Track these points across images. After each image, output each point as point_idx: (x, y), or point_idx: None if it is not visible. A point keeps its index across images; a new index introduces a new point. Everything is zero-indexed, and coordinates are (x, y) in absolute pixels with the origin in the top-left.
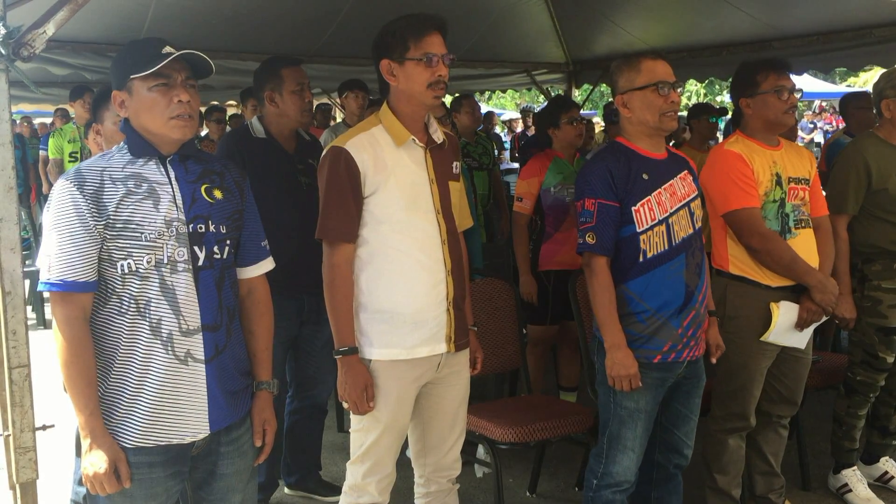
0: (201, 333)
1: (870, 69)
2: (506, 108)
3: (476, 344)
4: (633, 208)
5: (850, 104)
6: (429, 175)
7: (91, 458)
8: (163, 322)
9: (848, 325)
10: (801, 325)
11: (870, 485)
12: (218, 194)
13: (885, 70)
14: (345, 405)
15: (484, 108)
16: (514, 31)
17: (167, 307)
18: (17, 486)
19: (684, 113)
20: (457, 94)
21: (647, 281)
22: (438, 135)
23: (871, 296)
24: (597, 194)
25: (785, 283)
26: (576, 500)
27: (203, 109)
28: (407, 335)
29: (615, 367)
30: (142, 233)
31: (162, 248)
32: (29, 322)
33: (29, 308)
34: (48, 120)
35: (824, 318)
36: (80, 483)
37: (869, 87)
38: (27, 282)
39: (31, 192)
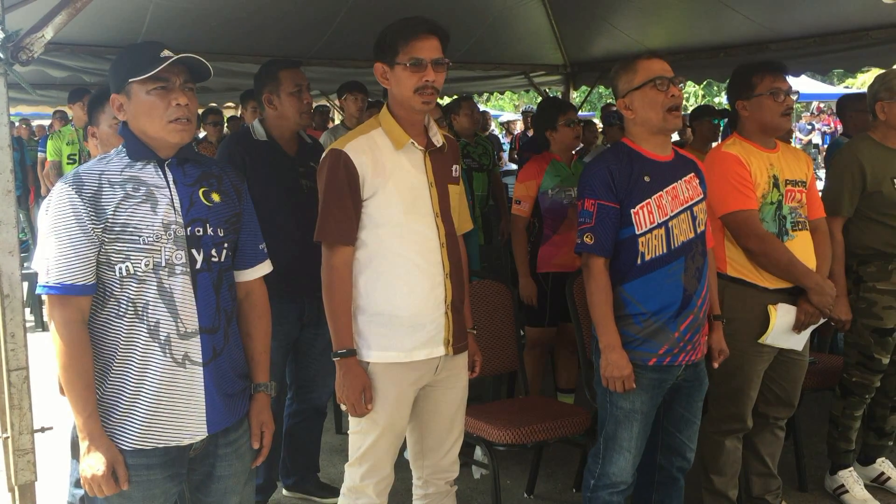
0: (199, 336)
1: (867, 70)
2: (504, 109)
3: (475, 347)
4: (632, 210)
5: (845, 106)
6: (428, 178)
7: (89, 460)
8: (161, 325)
9: (843, 327)
10: (798, 327)
11: (866, 486)
12: (216, 198)
13: (881, 71)
14: (343, 407)
15: (481, 109)
16: (511, 34)
17: (165, 310)
18: (16, 489)
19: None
20: (455, 97)
21: (645, 283)
22: (438, 138)
23: (867, 297)
24: (596, 195)
25: (782, 285)
26: (573, 501)
27: (200, 110)
28: (405, 338)
29: (609, 368)
30: (140, 236)
31: (160, 251)
32: (27, 324)
33: (27, 310)
34: (46, 122)
35: (822, 321)
36: (76, 485)
37: (866, 89)
38: (25, 284)
39: (30, 195)
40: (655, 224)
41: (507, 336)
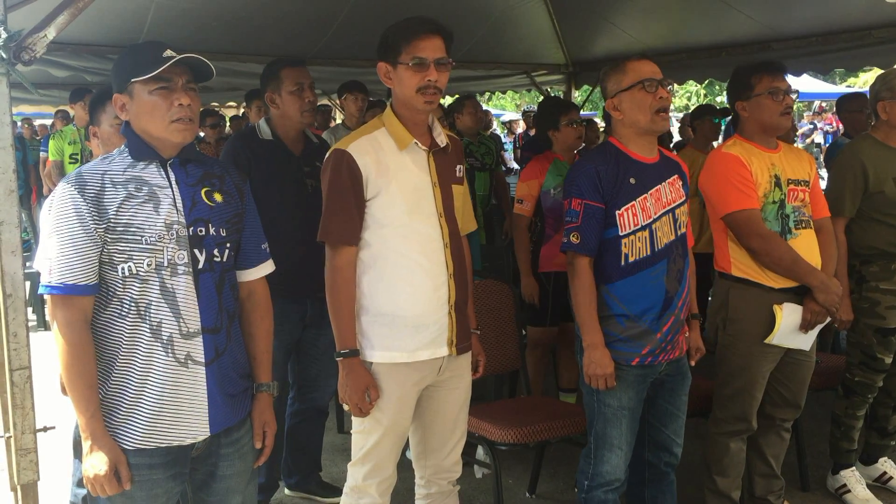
0: (201, 336)
1: (869, 70)
2: (506, 108)
3: (478, 347)
4: (616, 212)
5: (843, 107)
6: (431, 178)
7: (92, 459)
8: (163, 325)
9: (845, 327)
10: (805, 326)
11: (868, 485)
12: (218, 198)
13: (884, 70)
14: (346, 407)
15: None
16: (513, 33)
17: (167, 310)
18: (19, 488)
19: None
20: (457, 95)
21: (628, 285)
22: (442, 138)
23: (869, 297)
24: (583, 195)
25: (788, 284)
26: (575, 501)
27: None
28: (408, 338)
29: (591, 366)
30: (142, 236)
31: (162, 251)
32: (29, 324)
33: (29, 310)
34: (48, 122)
35: (828, 319)
36: (79, 484)
37: (868, 88)
38: (27, 283)
39: (32, 194)
40: (639, 226)
41: (508, 336)
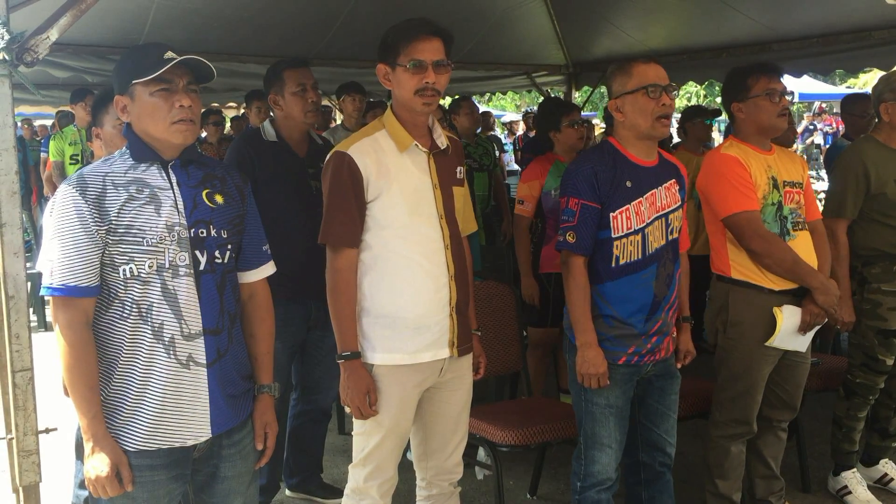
0: (203, 337)
1: (869, 71)
2: (506, 109)
3: (479, 348)
4: (611, 214)
5: (846, 108)
6: (432, 180)
7: (93, 461)
8: (165, 326)
9: (848, 329)
10: (804, 328)
11: (869, 487)
12: (219, 199)
13: (884, 73)
14: (347, 409)
15: (482, 109)
16: (514, 34)
17: (169, 311)
18: (20, 490)
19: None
20: (456, 96)
21: (617, 287)
22: (442, 140)
23: (871, 298)
24: (580, 195)
25: (787, 286)
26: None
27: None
28: (409, 340)
29: (584, 365)
30: (144, 238)
31: (164, 252)
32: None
33: (30, 310)
34: (49, 122)
35: (826, 320)
36: (81, 486)
37: (868, 89)
38: (28, 285)
39: (32, 195)
40: (632, 230)
41: (509, 337)
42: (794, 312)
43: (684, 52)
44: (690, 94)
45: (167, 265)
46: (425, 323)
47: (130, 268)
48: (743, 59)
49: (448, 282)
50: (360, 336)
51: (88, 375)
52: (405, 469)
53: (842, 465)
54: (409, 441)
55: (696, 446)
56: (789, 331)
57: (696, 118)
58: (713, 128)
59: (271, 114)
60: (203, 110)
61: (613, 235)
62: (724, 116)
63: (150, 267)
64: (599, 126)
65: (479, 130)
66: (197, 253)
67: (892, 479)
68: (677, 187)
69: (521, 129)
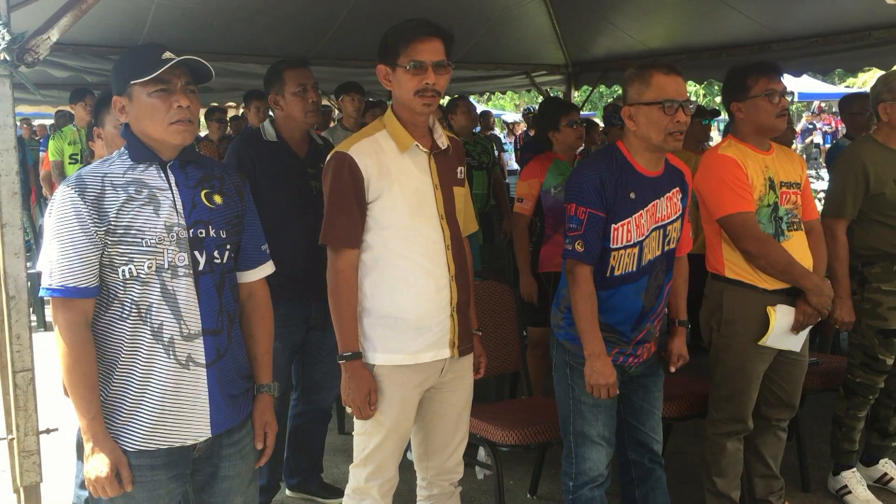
0: (202, 338)
1: (868, 70)
2: (505, 109)
3: (480, 348)
4: (612, 226)
5: (845, 108)
6: (433, 181)
7: (93, 461)
8: (164, 326)
9: (847, 328)
10: (797, 327)
11: (869, 486)
12: (218, 199)
13: (883, 72)
14: (348, 409)
15: (482, 109)
16: (513, 33)
17: (168, 312)
18: (21, 490)
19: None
20: (455, 96)
21: (609, 296)
22: (443, 140)
23: (871, 298)
24: (587, 203)
25: (781, 286)
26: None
27: (204, 111)
28: (410, 340)
29: (594, 376)
30: (143, 238)
31: (163, 253)
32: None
33: (30, 311)
34: (49, 122)
35: (819, 319)
36: (82, 486)
37: (867, 89)
38: (28, 284)
39: (32, 195)
40: (631, 243)
41: (510, 337)
42: (787, 312)
43: (683, 51)
44: (690, 93)
45: (166, 266)
46: (426, 323)
47: (129, 268)
48: (742, 59)
49: (449, 282)
50: (361, 336)
51: (88, 376)
52: (406, 469)
53: (842, 464)
54: (409, 441)
55: (697, 446)
56: (782, 330)
57: (695, 118)
58: (712, 128)
59: (271, 114)
60: (206, 108)
61: (612, 246)
62: (723, 116)
63: (149, 268)
64: (599, 126)
65: (478, 130)
66: (196, 253)
67: (891, 479)
68: (680, 195)
69: (521, 129)
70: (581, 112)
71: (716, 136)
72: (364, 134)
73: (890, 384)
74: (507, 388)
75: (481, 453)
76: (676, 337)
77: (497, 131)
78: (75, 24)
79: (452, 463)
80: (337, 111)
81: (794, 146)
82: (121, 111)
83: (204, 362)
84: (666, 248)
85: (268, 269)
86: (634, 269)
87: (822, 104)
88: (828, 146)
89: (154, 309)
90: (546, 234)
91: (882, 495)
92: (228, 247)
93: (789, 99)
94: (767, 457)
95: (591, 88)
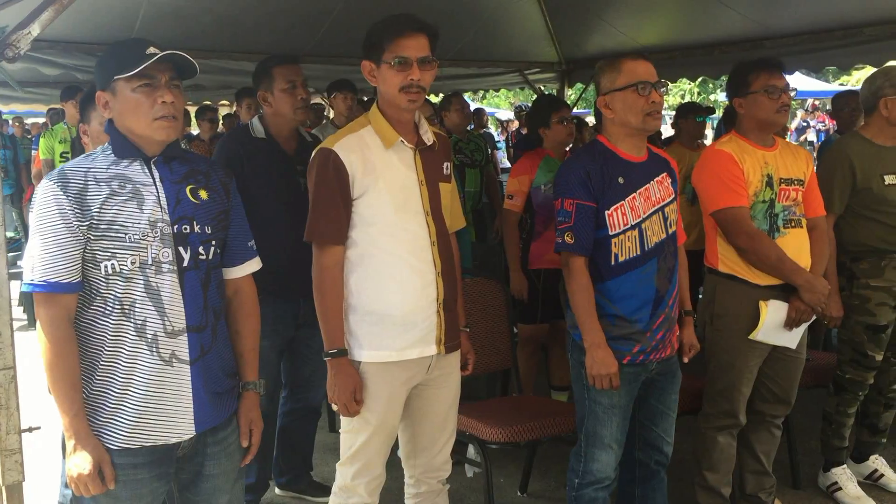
0: (186, 334)
1: (861, 68)
2: (500, 106)
3: (468, 345)
4: (606, 212)
5: (836, 105)
6: (418, 177)
7: (75, 459)
8: (147, 323)
9: (835, 324)
10: (789, 323)
11: (859, 483)
12: (203, 194)
13: (876, 69)
14: (334, 407)
15: (475, 106)
16: (506, 31)
17: (152, 308)
18: (3, 489)
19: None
20: (449, 93)
21: (619, 284)
22: (428, 136)
23: (860, 294)
24: (574, 195)
25: (774, 281)
26: (567, 499)
27: (195, 109)
28: (397, 337)
29: (595, 366)
30: (126, 234)
31: (146, 248)
32: (19, 323)
33: (20, 309)
34: (41, 120)
35: (814, 317)
36: (67, 485)
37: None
38: (18, 282)
39: (25, 192)
40: (629, 226)
41: (500, 334)
42: (779, 307)
43: (676, 49)
44: (684, 91)
45: (150, 262)
46: (412, 320)
47: (112, 264)
48: (735, 56)
49: (435, 278)
50: (347, 333)
51: (70, 372)
52: (393, 466)
53: (832, 461)
54: (397, 438)
55: (688, 443)
56: (774, 325)
57: (689, 115)
58: (706, 125)
59: (260, 110)
60: (198, 107)
61: (611, 233)
62: (718, 114)
63: (132, 263)
64: (592, 123)
65: (471, 127)
66: (180, 249)
67: (881, 476)
68: (669, 180)
69: (514, 126)
70: (575, 110)
71: (709, 135)
72: (349, 130)
73: (879, 380)
74: (497, 386)
75: (471, 451)
76: (685, 327)
77: (492, 129)
78: (66, 22)
79: (440, 461)
80: (329, 109)
81: None
82: (104, 106)
83: (188, 359)
84: (670, 230)
85: (254, 265)
86: (638, 252)
87: (817, 102)
88: (820, 143)
89: (137, 305)
90: (536, 230)
91: (872, 492)
92: (214, 243)
93: (792, 95)
94: (760, 453)
95: (584, 86)
